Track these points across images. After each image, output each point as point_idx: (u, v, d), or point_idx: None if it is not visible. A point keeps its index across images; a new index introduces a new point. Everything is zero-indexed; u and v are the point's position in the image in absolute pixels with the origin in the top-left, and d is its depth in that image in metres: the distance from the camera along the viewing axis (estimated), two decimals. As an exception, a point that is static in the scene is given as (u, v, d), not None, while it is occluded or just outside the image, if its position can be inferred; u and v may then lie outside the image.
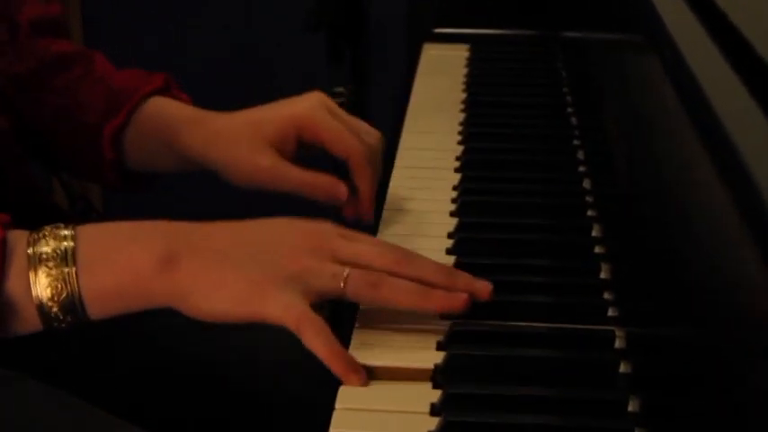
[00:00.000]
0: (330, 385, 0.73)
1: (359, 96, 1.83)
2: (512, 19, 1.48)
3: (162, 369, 0.98)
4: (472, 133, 1.16)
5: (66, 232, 0.77)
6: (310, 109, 0.95)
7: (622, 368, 0.73)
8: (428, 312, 0.77)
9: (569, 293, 0.83)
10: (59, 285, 0.75)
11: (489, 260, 0.87)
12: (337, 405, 0.71)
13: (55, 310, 0.75)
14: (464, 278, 0.78)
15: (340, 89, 1.85)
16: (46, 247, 0.76)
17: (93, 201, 1.15)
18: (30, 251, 0.76)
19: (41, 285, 0.75)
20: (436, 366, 0.74)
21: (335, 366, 0.73)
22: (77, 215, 1.10)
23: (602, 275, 0.85)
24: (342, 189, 0.92)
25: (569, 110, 1.22)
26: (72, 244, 0.76)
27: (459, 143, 1.14)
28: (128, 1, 2.41)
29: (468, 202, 0.98)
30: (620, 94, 0.89)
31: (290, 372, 0.97)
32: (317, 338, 0.73)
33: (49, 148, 1.06)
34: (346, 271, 0.76)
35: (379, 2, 1.81)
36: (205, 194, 1.55)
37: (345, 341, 0.76)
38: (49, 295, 0.75)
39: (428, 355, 0.75)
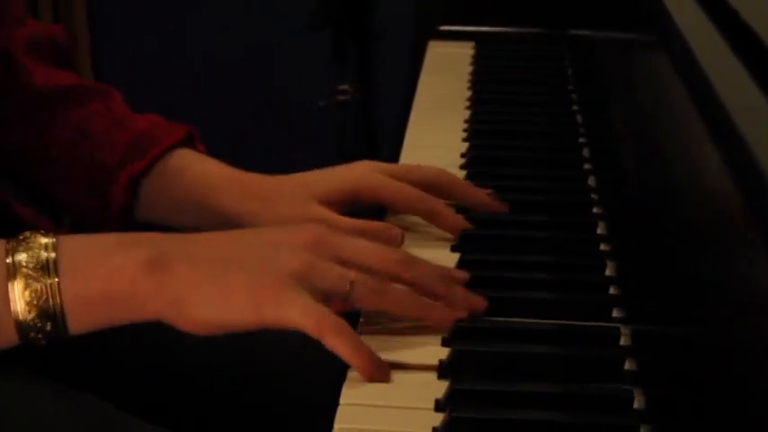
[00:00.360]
0: (334, 380, 0.73)
1: (364, 94, 1.83)
2: (517, 17, 1.48)
3: (164, 367, 0.97)
4: (477, 131, 1.16)
5: (46, 240, 0.73)
6: (368, 173, 0.93)
7: (627, 365, 0.73)
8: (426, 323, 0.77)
9: (575, 290, 0.82)
10: (40, 296, 0.72)
11: (494, 257, 0.87)
12: (342, 400, 0.70)
13: (34, 321, 0.72)
14: (461, 291, 0.79)
15: (344, 87, 1.85)
16: (25, 256, 0.73)
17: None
18: (8, 260, 0.72)
19: (19, 296, 0.72)
20: (441, 362, 0.73)
21: (362, 366, 0.71)
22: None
23: (608, 273, 0.85)
24: (395, 233, 0.89)
25: (575, 107, 1.22)
26: (53, 254, 0.73)
27: (465, 140, 1.13)
28: (132, 2, 2.42)
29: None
30: (626, 92, 0.89)
31: (294, 366, 0.97)
32: (340, 340, 0.71)
33: (38, 175, 1.01)
34: (352, 274, 0.75)
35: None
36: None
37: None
38: (28, 307, 0.72)
39: (433, 351, 0.75)
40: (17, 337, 0.73)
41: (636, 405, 0.69)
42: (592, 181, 1.02)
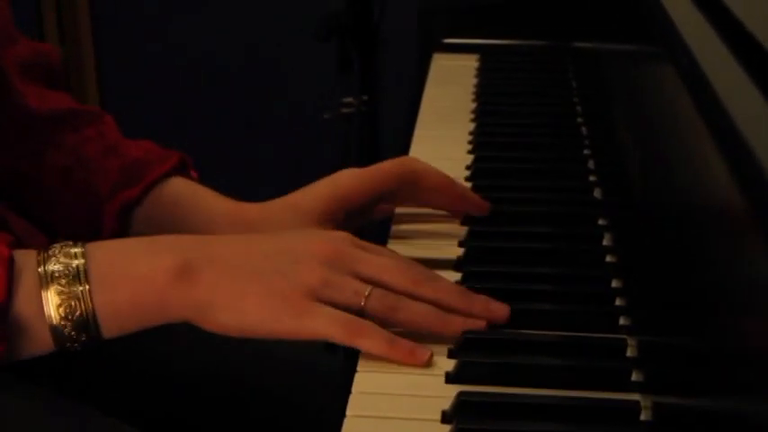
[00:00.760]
0: (340, 391, 0.73)
1: (369, 106, 1.83)
2: (521, 29, 1.48)
3: (165, 378, 0.97)
4: (482, 143, 1.16)
5: (76, 250, 0.76)
6: (350, 175, 0.93)
7: (634, 376, 0.73)
8: (445, 336, 0.77)
9: (581, 302, 0.82)
10: (73, 304, 0.74)
11: (500, 269, 0.87)
12: (348, 412, 0.70)
13: (68, 329, 0.74)
14: (481, 301, 0.79)
15: (349, 99, 1.85)
16: (57, 266, 0.75)
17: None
18: (40, 270, 0.75)
19: (53, 305, 0.74)
20: (447, 374, 0.73)
21: (403, 360, 0.74)
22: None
23: (614, 284, 0.85)
24: None
25: (579, 119, 1.22)
26: (83, 261, 0.75)
27: (470, 152, 1.14)
28: (135, 11, 2.42)
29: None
30: (631, 103, 0.89)
31: (299, 378, 0.97)
32: (372, 341, 0.74)
33: (30, 199, 1.00)
34: (368, 290, 0.76)
35: (389, 12, 1.81)
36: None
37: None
38: (62, 314, 0.74)
39: (439, 363, 0.75)
40: (53, 344, 0.75)
41: (643, 416, 0.69)
42: (597, 192, 1.02)
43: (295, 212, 0.91)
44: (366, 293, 0.75)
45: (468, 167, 1.09)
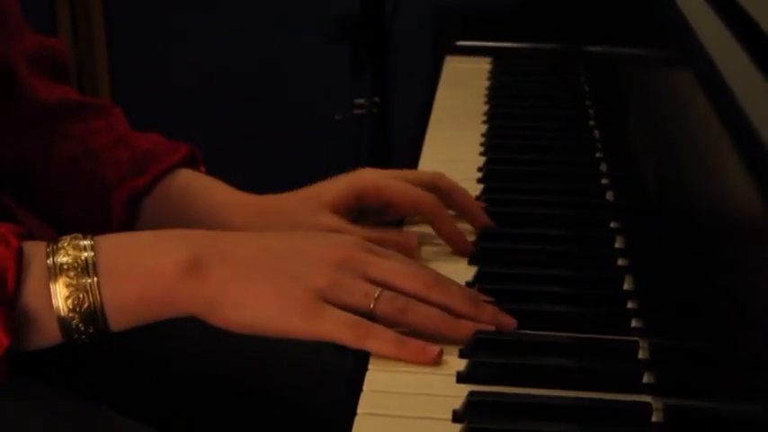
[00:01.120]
0: (349, 390, 0.73)
1: (380, 108, 1.84)
2: (534, 32, 1.49)
3: (168, 377, 0.97)
4: (494, 145, 1.16)
5: (85, 242, 0.75)
6: (369, 174, 0.94)
7: (646, 378, 0.73)
8: (452, 341, 0.77)
9: (593, 304, 0.82)
10: (81, 296, 0.74)
11: (512, 270, 0.87)
12: (360, 410, 0.71)
13: (76, 321, 0.74)
14: (490, 310, 0.79)
15: (361, 101, 1.86)
16: (66, 258, 0.74)
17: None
18: (49, 262, 0.74)
19: (62, 296, 0.74)
20: (459, 373, 0.74)
21: (410, 358, 0.74)
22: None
23: (626, 287, 0.85)
24: (412, 239, 0.90)
25: (591, 123, 1.22)
26: (92, 254, 0.75)
27: (482, 154, 1.14)
28: (149, 11, 2.42)
29: (491, 213, 0.98)
30: (644, 106, 0.89)
31: (300, 378, 0.97)
32: (381, 343, 0.74)
33: (38, 190, 1.00)
34: (377, 292, 0.76)
35: (402, 14, 1.81)
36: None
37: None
38: (71, 306, 0.74)
39: (450, 362, 0.75)
40: (60, 335, 0.75)
41: (654, 418, 0.69)
42: (610, 195, 1.02)
43: (314, 203, 0.92)
44: (375, 295, 0.75)
45: (479, 169, 1.09)
